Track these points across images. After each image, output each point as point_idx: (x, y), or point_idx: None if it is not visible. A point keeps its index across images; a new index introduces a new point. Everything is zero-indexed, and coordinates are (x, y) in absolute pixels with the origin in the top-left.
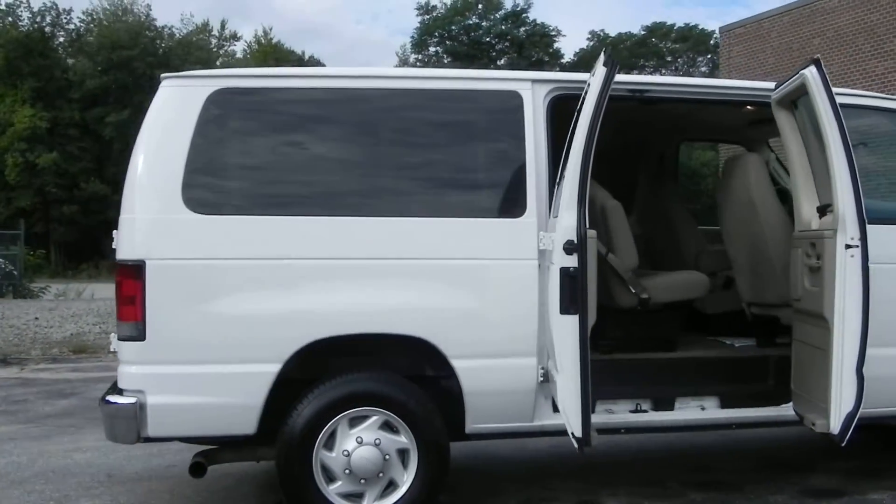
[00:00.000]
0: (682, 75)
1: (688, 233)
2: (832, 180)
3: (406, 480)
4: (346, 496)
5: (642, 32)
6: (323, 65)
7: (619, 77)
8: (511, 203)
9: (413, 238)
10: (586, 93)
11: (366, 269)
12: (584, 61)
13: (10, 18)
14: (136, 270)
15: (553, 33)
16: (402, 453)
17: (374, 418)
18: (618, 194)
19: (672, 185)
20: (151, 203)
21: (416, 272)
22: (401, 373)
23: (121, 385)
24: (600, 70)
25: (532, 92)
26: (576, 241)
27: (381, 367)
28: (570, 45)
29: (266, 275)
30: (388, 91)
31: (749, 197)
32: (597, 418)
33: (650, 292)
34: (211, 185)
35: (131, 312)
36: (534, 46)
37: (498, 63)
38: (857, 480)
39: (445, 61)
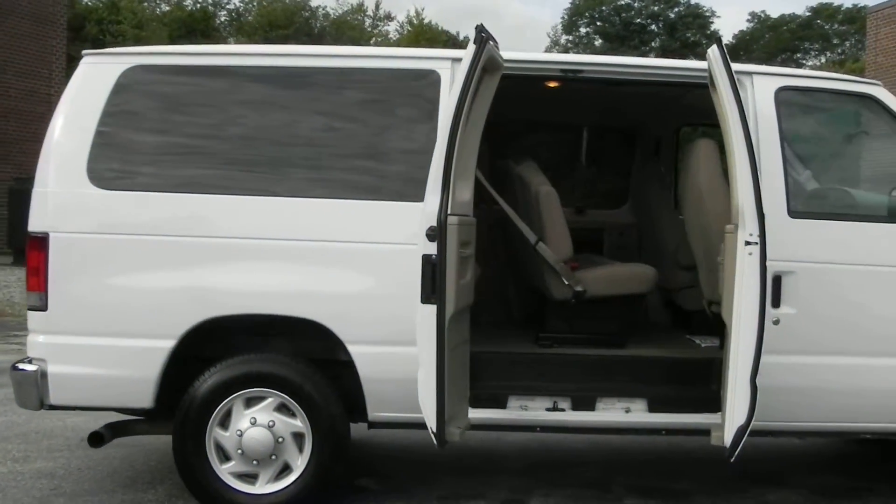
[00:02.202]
0: (847, 60)
1: (669, 224)
2: (731, 170)
3: (300, 465)
4: (239, 476)
5: (807, 14)
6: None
7: (551, 56)
8: (415, 186)
9: (311, 220)
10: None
11: (262, 250)
12: (743, 44)
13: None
14: (40, 243)
15: (707, 14)
16: (298, 437)
17: (270, 400)
18: (611, 180)
19: (663, 172)
20: (59, 177)
21: (312, 254)
22: (305, 356)
23: (28, 353)
24: (469, 48)
25: (451, 71)
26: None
27: (283, 350)
28: (728, 26)
29: (163, 252)
30: (299, 69)
31: (698, 185)
32: (508, 414)
33: (586, 284)
34: (116, 161)
35: (36, 283)
36: (687, 28)
37: (651, 45)
38: (821, 499)
39: (596, 44)
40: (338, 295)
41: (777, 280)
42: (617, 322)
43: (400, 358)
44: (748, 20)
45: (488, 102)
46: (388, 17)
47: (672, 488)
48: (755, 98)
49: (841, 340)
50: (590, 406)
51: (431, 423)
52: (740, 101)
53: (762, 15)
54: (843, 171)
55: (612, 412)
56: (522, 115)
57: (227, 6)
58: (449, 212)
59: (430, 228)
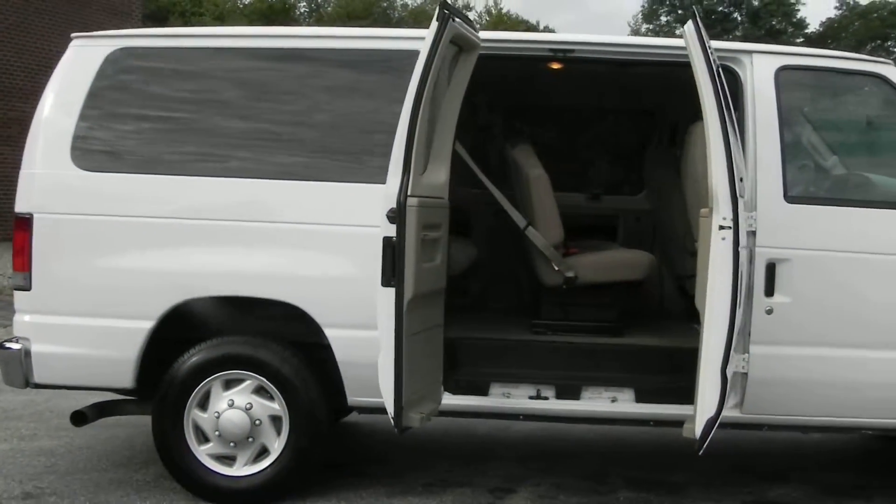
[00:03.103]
0: None
1: (680, 210)
2: (707, 151)
3: (277, 448)
4: (217, 458)
5: None
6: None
7: (541, 36)
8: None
9: (290, 202)
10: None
11: (241, 232)
12: (831, 31)
13: None
14: (25, 223)
15: (792, 1)
16: (276, 420)
17: (248, 382)
18: (627, 166)
19: (678, 158)
20: (45, 159)
21: (291, 237)
22: (286, 340)
23: (14, 332)
24: (432, 25)
25: None
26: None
27: (263, 333)
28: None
29: (143, 234)
30: (283, 50)
31: (694, 169)
32: (489, 401)
33: (577, 271)
34: (99, 143)
35: (21, 263)
36: (771, 16)
37: (735, 33)
38: (824, 497)
39: (676, 32)
40: (315, 278)
41: (771, 267)
42: (614, 310)
43: (375, 342)
44: (836, 7)
45: (465, 82)
46: (467, 7)
47: (668, 481)
48: (754, 78)
49: (839, 331)
50: (575, 395)
51: (389, 408)
52: (715, 79)
53: (851, 2)
54: (848, 155)
55: (598, 401)
56: (536, 99)
57: None
58: (410, 193)
59: (391, 210)
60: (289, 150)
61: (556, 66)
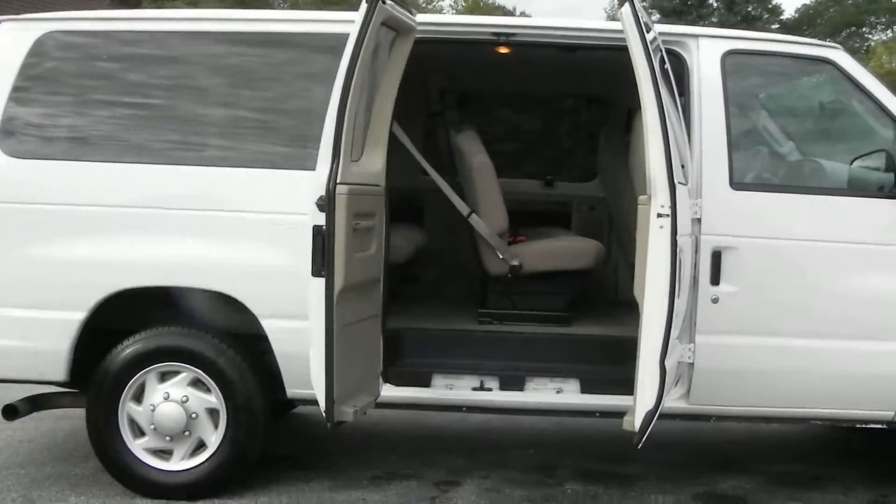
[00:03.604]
0: None
1: (630, 197)
2: (644, 136)
3: (214, 441)
4: (153, 452)
5: None
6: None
7: (481, 19)
8: None
9: (223, 189)
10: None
11: (173, 220)
12: (806, 18)
13: None
14: None
15: None
16: (213, 413)
17: (183, 375)
18: (581, 153)
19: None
20: None
21: (224, 225)
22: (223, 331)
23: None
24: (361, 8)
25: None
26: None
27: (199, 324)
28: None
29: (72, 222)
30: (208, 34)
31: (640, 156)
32: (431, 393)
33: (522, 259)
34: (28, 129)
35: None
36: (747, 2)
37: (711, 20)
38: (777, 488)
39: (653, 18)
40: (250, 267)
41: (717, 256)
42: (561, 299)
43: None
44: None
45: (401, 66)
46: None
47: (619, 472)
48: (699, 62)
49: (787, 321)
50: (519, 386)
51: (321, 402)
52: (651, 61)
53: None
54: (798, 141)
55: (542, 393)
56: (487, 85)
57: None
58: (340, 180)
59: (320, 198)
60: (223, 136)
61: (503, 50)
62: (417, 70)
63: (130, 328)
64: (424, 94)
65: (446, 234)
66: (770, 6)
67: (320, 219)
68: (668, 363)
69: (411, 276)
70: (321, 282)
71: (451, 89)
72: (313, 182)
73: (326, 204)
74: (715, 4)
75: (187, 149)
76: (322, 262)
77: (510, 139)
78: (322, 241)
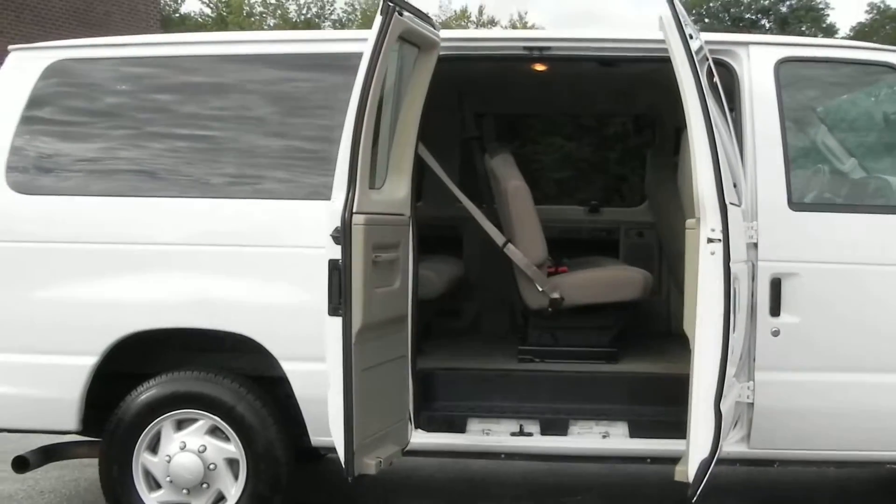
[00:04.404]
0: None
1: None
2: (691, 154)
3: (234, 494)
4: None
5: None
6: None
7: (512, 33)
8: None
9: (238, 224)
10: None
11: (187, 258)
12: (860, 36)
13: (279, 12)
14: None
15: (821, 6)
16: (232, 463)
17: (201, 422)
18: (628, 176)
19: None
20: None
21: (240, 262)
22: (242, 375)
23: None
24: (376, 21)
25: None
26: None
27: (219, 367)
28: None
29: (82, 261)
30: (219, 57)
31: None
32: (467, 439)
33: (563, 291)
34: (36, 164)
35: None
36: (800, 22)
37: None
38: None
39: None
40: (267, 306)
41: (776, 284)
42: (608, 334)
43: None
44: (867, 11)
45: (424, 85)
46: (492, 23)
47: None
48: (751, 73)
49: (856, 354)
50: (562, 430)
51: (340, 452)
52: (696, 70)
53: (882, 5)
54: (861, 156)
55: (587, 437)
56: (524, 106)
57: (331, 17)
58: (357, 209)
59: (335, 229)
60: (235, 167)
61: (539, 68)
62: (450, 92)
63: (146, 373)
64: (460, 118)
65: (486, 266)
66: (824, 25)
67: (336, 252)
68: (723, 406)
69: (449, 311)
70: (338, 321)
71: (487, 112)
72: (328, 212)
73: (342, 235)
74: (768, 26)
75: (204, 181)
76: (339, 299)
77: (551, 163)
78: (339, 276)
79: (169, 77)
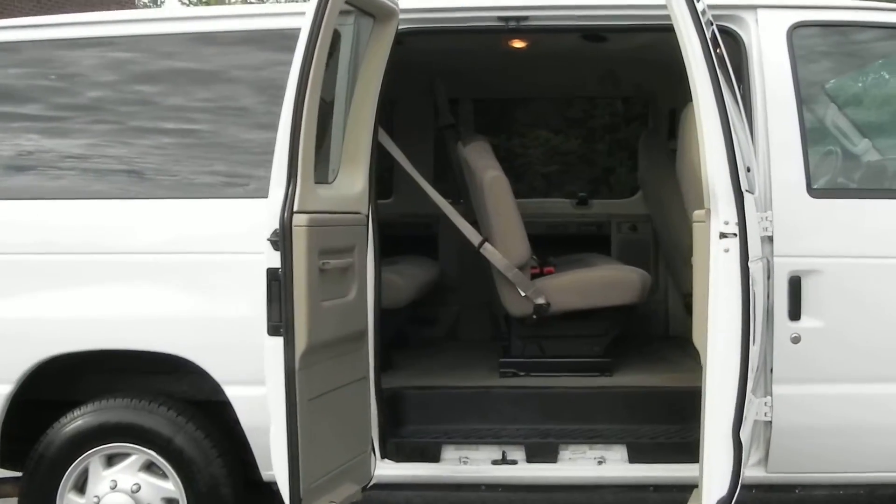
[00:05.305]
0: None
1: (683, 214)
2: (699, 136)
3: None
4: None
5: None
6: None
7: (485, 1)
8: None
9: (170, 227)
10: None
11: (111, 268)
12: None
13: None
14: None
15: None
16: None
17: (134, 458)
18: (619, 164)
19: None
20: None
21: (174, 271)
22: (181, 401)
23: None
24: None
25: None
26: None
27: (155, 393)
28: None
29: None
30: (133, 37)
31: (691, 160)
32: (441, 469)
33: (549, 295)
34: None
35: None
36: None
37: None
38: None
39: None
40: (206, 323)
41: (795, 283)
42: (599, 342)
43: None
44: None
45: (383, 60)
46: None
47: None
48: (760, 41)
49: (890, 361)
50: (551, 456)
51: (284, 495)
52: (704, 34)
53: None
54: (892, 134)
55: (580, 463)
56: (504, 89)
57: None
58: (299, 208)
59: (273, 232)
60: (167, 162)
61: (519, 44)
62: (421, 75)
63: (67, 401)
64: (433, 104)
65: (464, 268)
66: None
67: (275, 259)
68: (743, 433)
69: (424, 318)
70: (278, 342)
71: (462, 97)
72: (267, 212)
73: (280, 239)
74: None
75: (128, 179)
76: (279, 315)
77: (535, 153)
78: (277, 288)
79: (74, 60)
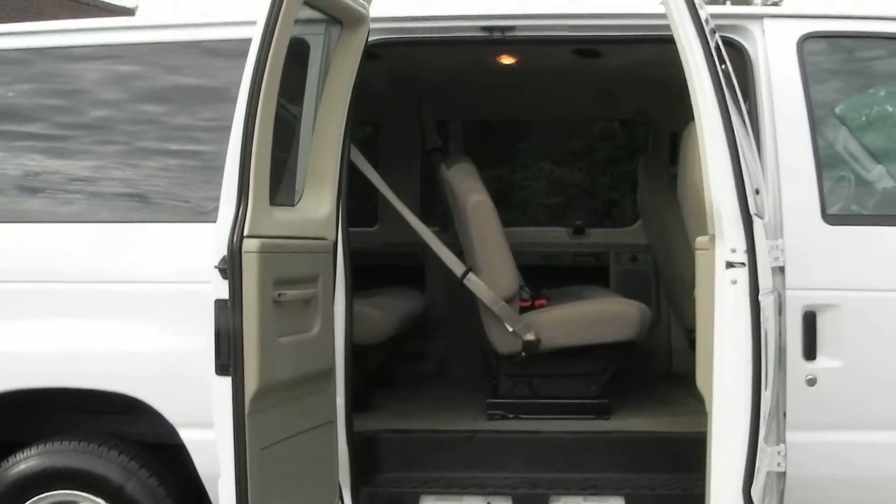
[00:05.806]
0: None
1: (686, 243)
2: (702, 156)
3: None
4: None
5: None
6: None
7: (466, 10)
8: None
9: (119, 253)
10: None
11: (51, 297)
12: None
13: None
14: None
15: None
16: None
17: None
18: (617, 191)
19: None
20: None
21: (123, 303)
22: (134, 444)
23: None
24: None
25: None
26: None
27: (106, 435)
28: None
29: None
30: (94, 48)
31: (693, 183)
32: None
33: (539, 331)
34: None
35: None
36: None
37: None
38: None
39: None
40: (158, 360)
41: (810, 318)
42: (595, 382)
43: None
44: None
45: (352, 70)
46: None
47: None
48: (768, 54)
49: None
50: None
51: None
52: (707, 44)
53: None
54: None
55: None
56: (493, 110)
57: None
58: (250, 232)
59: (222, 260)
60: (113, 182)
61: (507, 61)
62: (407, 95)
63: (22, 442)
64: (419, 125)
65: (453, 299)
66: None
67: (224, 290)
68: (755, 491)
69: (412, 354)
70: (227, 382)
71: (450, 118)
72: (214, 236)
73: (228, 267)
74: None
75: (67, 201)
76: (228, 353)
77: (527, 178)
78: (225, 321)
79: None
